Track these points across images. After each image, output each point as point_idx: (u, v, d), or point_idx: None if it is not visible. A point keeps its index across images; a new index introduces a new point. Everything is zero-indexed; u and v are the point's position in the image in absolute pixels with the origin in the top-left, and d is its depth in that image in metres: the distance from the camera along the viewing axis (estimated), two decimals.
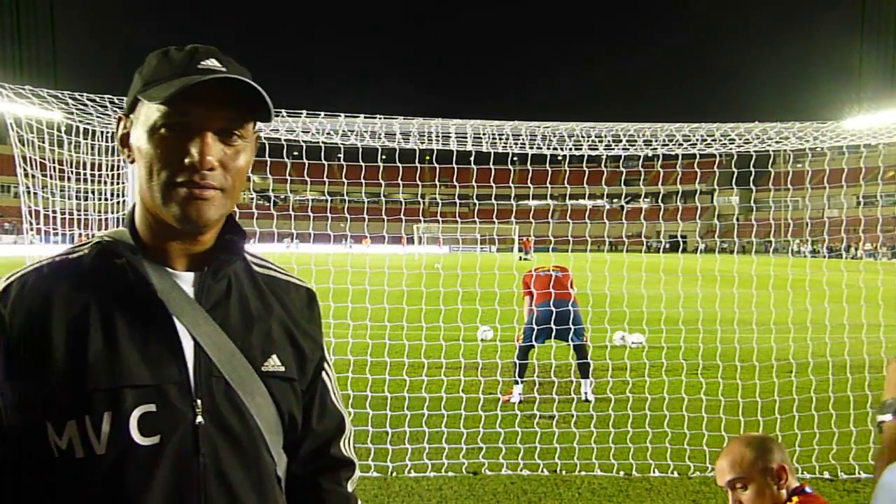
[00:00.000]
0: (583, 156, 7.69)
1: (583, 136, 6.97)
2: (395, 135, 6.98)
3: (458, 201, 8.98)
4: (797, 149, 7.53)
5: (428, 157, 7.66)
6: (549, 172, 7.34)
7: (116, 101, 5.92)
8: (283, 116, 6.34)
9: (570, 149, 7.50)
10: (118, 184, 7.15)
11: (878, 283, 7.83)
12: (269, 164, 6.54)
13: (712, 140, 7.05)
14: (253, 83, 1.25)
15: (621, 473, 5.42)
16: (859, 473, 5.40)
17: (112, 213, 7.08)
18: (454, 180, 7.14)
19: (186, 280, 1.33)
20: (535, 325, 7.57)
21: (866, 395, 6.59)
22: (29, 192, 5.95)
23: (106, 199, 7.06)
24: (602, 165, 9.34)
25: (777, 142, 7.14)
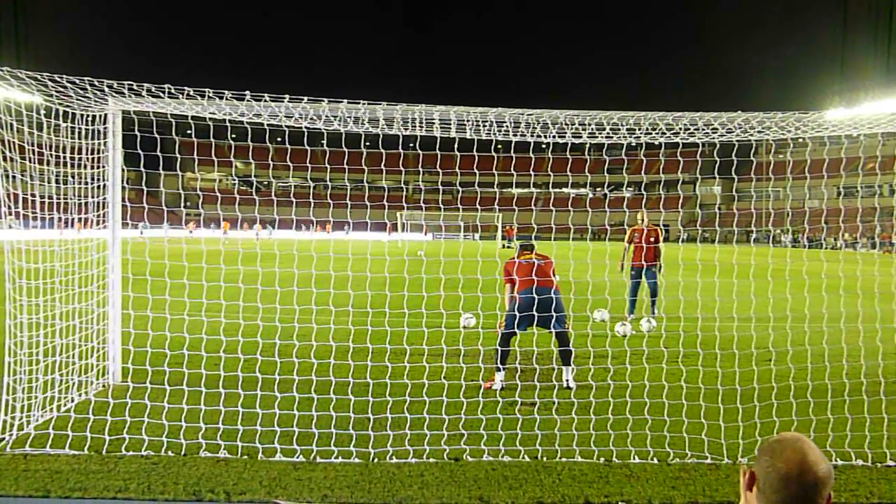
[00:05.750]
0: (566, 144, 7.70)
1: (566, 124, 6.97)
2: (378, 121, 6.95)
3: (441, 188, 8.94)
4: (779, 139, 7.59)
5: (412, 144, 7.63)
6: (533, 160, 7.34)
7: (97, 83, 5.85)
8: (265, 101, 6.29)
9: (554, 137, 7.51)
10: (98, 168, 7.08)
11: (857, 274, 7.92)
12: (251, 149, 6.53)
13: (695, 129, 7.08)
14: None
15: (601, 460, 5.46)
16: (836, 460, 5.47)
17: (92, 197, 7.01)
18: (438, 167, 7.12)
19: None
20: (517, 313, 7.59)
21: (844, 383, 6.68)
22: (7, 176, 5.87)
23: (86, 184, 6.99)
24: (585, 154, 9.38)
25: (759, 132, 7.19)
